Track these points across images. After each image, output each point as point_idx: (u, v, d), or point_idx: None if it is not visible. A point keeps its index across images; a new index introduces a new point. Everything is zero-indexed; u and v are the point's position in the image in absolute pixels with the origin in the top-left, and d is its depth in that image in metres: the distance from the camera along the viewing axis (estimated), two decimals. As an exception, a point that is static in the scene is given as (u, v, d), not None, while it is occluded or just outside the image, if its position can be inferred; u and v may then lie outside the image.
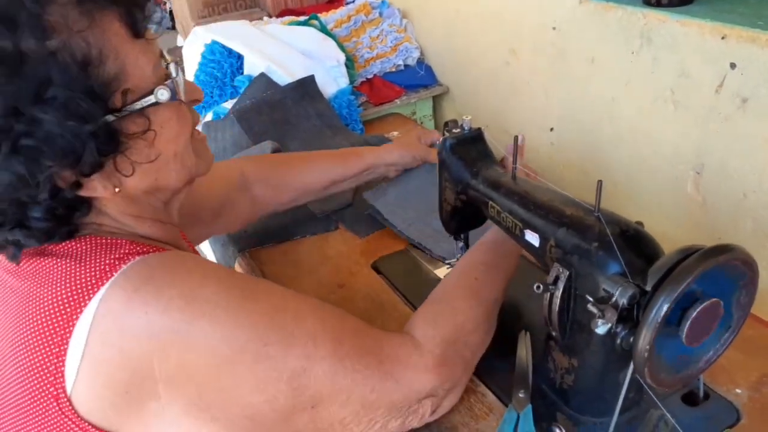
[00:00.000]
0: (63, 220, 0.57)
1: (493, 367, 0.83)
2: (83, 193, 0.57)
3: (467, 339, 0.75)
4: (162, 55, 0.62)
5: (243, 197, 1.03)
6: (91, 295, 0.54)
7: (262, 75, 1.50)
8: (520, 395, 0.76)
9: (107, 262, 0.56)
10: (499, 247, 0.85)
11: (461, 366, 0.73)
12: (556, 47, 1.29)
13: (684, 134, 1.07)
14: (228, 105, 1.50)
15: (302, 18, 1.75)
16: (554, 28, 1.27)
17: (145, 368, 0.53)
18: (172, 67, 0.61)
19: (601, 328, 0.60)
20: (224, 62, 1.56)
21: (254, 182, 1.04)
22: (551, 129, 1.38)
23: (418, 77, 1.71)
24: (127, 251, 0.58)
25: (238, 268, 1.15)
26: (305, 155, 1.14)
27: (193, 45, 1.65)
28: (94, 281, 0.54)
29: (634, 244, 0.64)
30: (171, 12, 2.96)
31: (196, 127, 0.70)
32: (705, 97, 1.01)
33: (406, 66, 1.73)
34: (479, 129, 0.90)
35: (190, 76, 1.64)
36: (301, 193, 1.10)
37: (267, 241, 1.15)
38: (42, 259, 0.58)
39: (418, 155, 1.16)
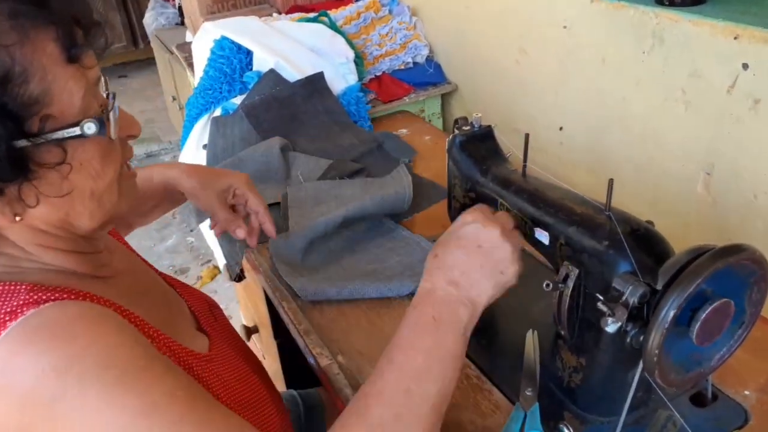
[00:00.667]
0: None
1: (500, 365, 0.84)
2: None
3: None
4: (102, 84, 0.57)
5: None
6: None
7: (272, 71, 1.50)
8: (528, 393, 0.76)
9: None
10: (444, 315, 0.64)
11: None
12: (567, 46, 1.28)
13: (695, 134, 1.07)
14: (237, 101, 1.51)
15: (312, 14, 1.75)
16: (565, 27, 1.27)
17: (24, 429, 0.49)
18: (109, 99, 0.57)
19: (610, 327, 0.60)
20: (233, 58, 1.56)
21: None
22: (560, 128, 1.38)
23: (427, 75, 1.71)
24: (21, 302, 0.52)
25: (245, 263, 1.16)
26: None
27: (202, 41, 1.66)
28: None
29: (645, 243, 0.64)
30: (180, 7, 2.97)
31: (129, 162, 0.64)
32: (717, 98, 1.01)
33: (415, 63, 1.73)
34: (489, 126, 0.89)
35: (198, 71, 1.65)
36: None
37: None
38: None
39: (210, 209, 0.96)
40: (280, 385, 1.34)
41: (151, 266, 0.82)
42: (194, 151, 1.56)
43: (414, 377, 0.59)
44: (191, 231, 2.73)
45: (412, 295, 0.97)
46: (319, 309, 0.97)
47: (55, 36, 0.51)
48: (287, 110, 1.47)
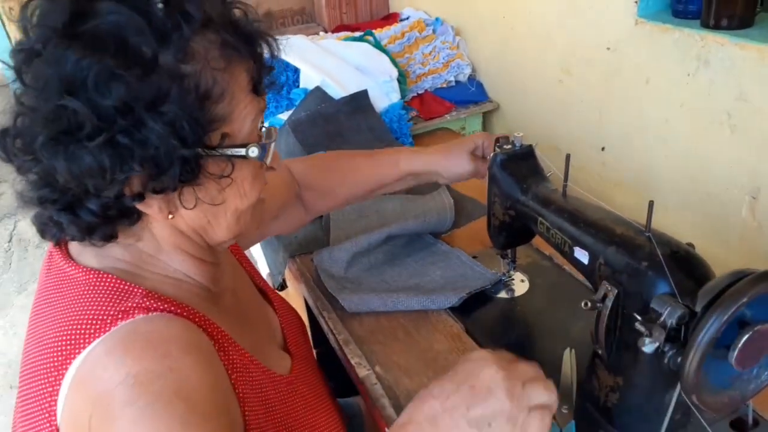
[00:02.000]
0: (109, 221, 0.58)
1: (537, 383, 0.84)
2: (141, 206, 0.58)
3: None
4: (261, 116, 0.64)
5: (297, 202, 1.05)
6: (85, 346, 0.55)
7: (318, 88, 1.54)
8: (563, 411, 0.76)
9: (111, 313, 0.56)
10: None
11: None
12: (611, 67, 1.29)
13: (739, 158, 1.06)
14: (283, 116, 1.56)
15: (357, 33, 1.79)
16: (609, 48, 1.27)
17: (85, 426, 0.54)
18: (266, 131, 0.64)
19: (648, 347, 0.61)
20: (281, 75, 1.62)
21: (303, 188, 1.06)
22: (602, 148, 1.38)
23: (469, 93, 1.73)
24: (134, 305, 0.57)
25: (288, 273, 1.19)
26: (348, 159, 1.09)
27: (252, 57, 1.72)
28: (92, 331, 0.56)
29: (685, 265, 0.64)
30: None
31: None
32: (763, 122, 1.00)
33: (457, 82, 1.75)
34: (530, 146, 0.91)
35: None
36: (346, 201, 1.10)
37: (316, 247, 1.18)
38: (64, 281, 0.61)
39: (465, 171, 1.02)
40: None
41: (256, 276, 0.86)
42: (241, 164, 1.61)
43: None
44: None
45: (453, 309, 0.99)
46: (359, 320, 0.99)
47: (248, 68, 0.60)
48: (332, 126, 1.51)
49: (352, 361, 0.92)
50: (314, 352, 0.94)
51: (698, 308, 0.59)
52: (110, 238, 0.60)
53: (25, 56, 0.54)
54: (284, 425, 0.68)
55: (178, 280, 0.66)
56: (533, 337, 0.96)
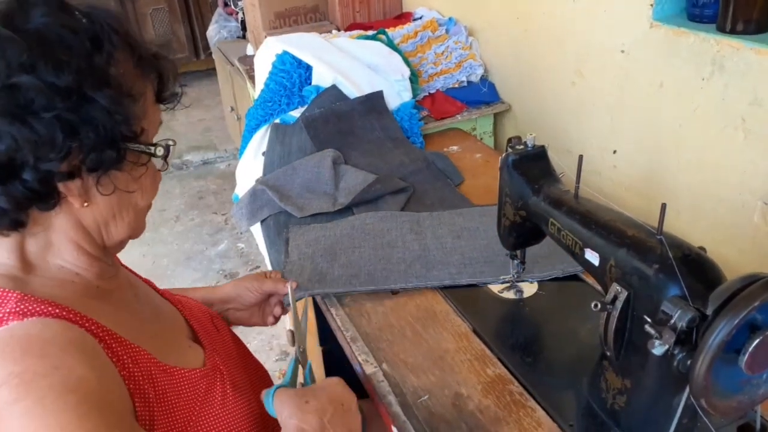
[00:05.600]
0: (29, 202, 0.61)
1: (544, 384, 0.84)
2: (64, 189, 0.62)
3: None
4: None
5: None
6: None
7: (334, 87, 1.55)
8: (301, 351, 0.83)
9: None
10: None
11: None
12: (624, 70, 1.28)
13: (753, 163, 1.05)
14: (295, 114, 1.56)
15: (370, 32, 1.80)
16: (623, 51, 1.27)
17: None
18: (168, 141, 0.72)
19: (657, 349, 0.60)
20: (293, 72, 1.62)
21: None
22: (614, 151, 1.37)
23: (481, 94, 1.73)
24: (8, 311, 0.59)
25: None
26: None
27: (265, 54, 1.73)
28: None
29: (696, 269, 0.64)
30: (242, 21, 3.08)
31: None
32: (777, 127, 0.99)
33: (469, 82, 1.75)
34: (542, 146, 0.91)
35: (259, 83, 1.71)
36: None
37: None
38: None
39: (256, 287, 1.02)
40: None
41: (150, 285, 0.87)
42: (252, 160, 1.62)
43: None
44: (242, 233, 2.80)
45: (461, 309, 0.99)
46: (367, 318, 1.00)
47: (152, 82, 0.70)
48: (345, 125, 1.51)
49: (359, 358, 0.92)
50: (246, 346, 0.94)
51: (709, 311, 0.59)
52: (19, 225, 0.63)
53: None
54: (189, 419, 0.68)
55: (62, 280, 0.67)
56: (541, 338, 0.96)
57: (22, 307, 0.60)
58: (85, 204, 0.65)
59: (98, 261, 0.70)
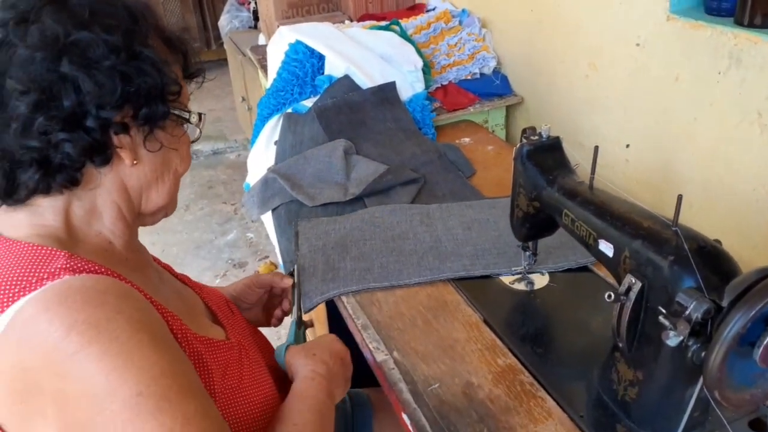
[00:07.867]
0: (91, 150, 0.65)
1: (555, 374, 0.84)
2: (117, 141, 0.66)
3: None
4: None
5: None
6: (9, 304, 0.57)
7: (347, 77, 1.55)
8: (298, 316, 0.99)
9: (36, 274, 0.59)
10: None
11: None
12: (639, 63, 1.28)
13: (769, 158, 1.05)
14: (307, 103, 1.56)
15: (383, 23, 1.79)
16: (638, 44, 1.26)
17: (37, 384, 0.55)
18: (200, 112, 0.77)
19: (672, 340, 0.60)
20: (306, 62, 1.62)
21: None
22: (627, 145, 1.37)
23: (493, 86, 1.72)
24: (59, 266, 0.60)
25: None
26: None
27: (278, 44, 1.72)
28: (17, 290, 0.58)
29: (712, 261, 0.64)
30: (254, 11, 3.08)
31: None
32: (794, 122, 0.99)
33: (482, 74, 1.75)
34: (557, 137, 0.91)
35: (272, 73, 1.71)
36: None
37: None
38: None
39: (254, 282, 1.06)
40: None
41: (169, 269, 0.89)
42: (263, 149, 1.62)
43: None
44: (251, 222, 2.81)
45: (472, 299, 0.99)
46: (378, 306, 1.00)
47: (179, 60, 0.74)
48: (357, 115, 1.51)
49: (370, 346, 0.92)
50: (260, 331, 0.98)
51: (725, 303, 0.59)
52: (73, 183, 0.66)
53: (17, 16, 0.63)
54: (230, 385, 0.71)
55: (99, 247, 0.69)
56: (552, 329, 0.96)
57: (72, 263, 0.62)
58: (135, 162, 0.69)
59: (129, 230, 0.73)
